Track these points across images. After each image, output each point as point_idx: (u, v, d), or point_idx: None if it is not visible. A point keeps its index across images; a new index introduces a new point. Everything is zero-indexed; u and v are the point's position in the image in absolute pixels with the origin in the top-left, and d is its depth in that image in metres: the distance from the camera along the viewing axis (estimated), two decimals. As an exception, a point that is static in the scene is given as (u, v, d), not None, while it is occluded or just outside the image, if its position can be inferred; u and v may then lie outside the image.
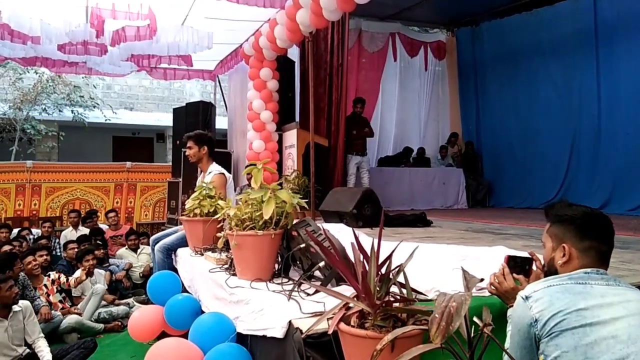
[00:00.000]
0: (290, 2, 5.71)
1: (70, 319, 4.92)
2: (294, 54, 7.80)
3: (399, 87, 9.62)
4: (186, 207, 3.36)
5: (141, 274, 6.63)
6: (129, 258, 6.89)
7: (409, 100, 9.75)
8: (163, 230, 8.41)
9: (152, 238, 4.34)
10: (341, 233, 3.55)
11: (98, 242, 6.86)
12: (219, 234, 2.67)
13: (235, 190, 4.40)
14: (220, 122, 9.95)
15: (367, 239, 3.35)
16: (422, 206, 8.10)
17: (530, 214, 6.62)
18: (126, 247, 7.15)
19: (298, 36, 6.06)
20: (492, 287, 1.76)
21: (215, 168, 4.06)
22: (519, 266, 1.79)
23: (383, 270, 1.57)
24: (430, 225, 5.31)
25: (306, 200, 6.17)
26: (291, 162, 7.19)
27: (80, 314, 5.13)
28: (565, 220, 1.52)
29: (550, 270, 1.55)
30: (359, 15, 8.69)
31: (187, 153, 4.19)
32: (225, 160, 7.33)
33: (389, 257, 1.56)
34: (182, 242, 3.72)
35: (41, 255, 5.39)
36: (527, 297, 1.39)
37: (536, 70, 8.07)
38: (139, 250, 7.01)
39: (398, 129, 9.67)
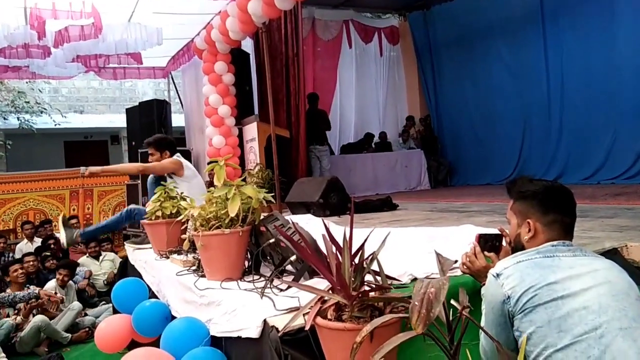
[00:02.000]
0: (240, -7, 5.59)
1: (37, 319, 4.77)
2: (248, 46, 7.66)
3: (355, 74, 9.64)
4: (147, 209, 3.24)
5: (105, 281, 6.42)
6: (90, 266, 6.64)
7: (366, 86, 9.80)
8: (126, 233, 8.21)
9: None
10: (310, 224, 3.52)
11: (50, 250, 6.57)
12: (183, 236, 2.58)
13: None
14: (177, 120, 9.70)
15: (336, 228, 3.33)
16: (387, 190, 8.18)
17: (491, 190, 6.79)
18: (87, 255, 6.89)
19: (251, 27, 5.94)
20: (465, 267, 1.76)
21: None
22: (489, 244, 1.80)
23: (357, 260, 1.55)
24: (397, 209, 5.36)
25: (272, 193, 6.13)
26: (253, 155, 7.09)
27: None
28: (527, 196, 1.54)
29: (517, 246, 1.56)
30: (311, 3, 8.62)
31: (149, 160, 4.13)
32: (185, 157, 7.15)
33: (362, 246, 1.53)
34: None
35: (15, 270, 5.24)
36: (498, 275, 1.40)
37: (488, 51, 8.24)
38: (101, 257, 6.77)
39: (358, 116, 9.70)
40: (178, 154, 4.11)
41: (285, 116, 7.21)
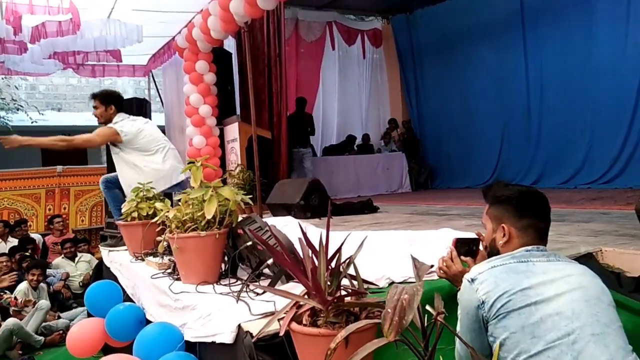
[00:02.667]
0: (222, -8, 5.53)
1: (8, 322, 4.65)
2: (230, 45, 7.59)
3: (338, 76, 9.64)
4: (123, 210, 3.18)
5: (81, 283, 6.28)
6: (66, 267, 6.50)
7: (349, 88, 9.81)
8: (103, 234, 8.06)
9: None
10: (289, 226, 3.51)
11: (27, 252, 6.42)
12: (159, 238, 2.53)
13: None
14: (157, 119, 9.52)
15: (315, 230, 3.31)
16: (368, 192, 8.19)
17: (470, 193, 6.85)
18: (62, 256, 6.74)
19: (233, 27, 5.89)
20: (441, 272, 1.77)
21: (115, 121, 3.76)
22: (466, 248, 1.80)
23: (333, 264, 1.53)
24: (377, 211, 5.37)
25: (252, 195, 6.08)
26: (234, 156, 7.03)
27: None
28: (502, 200, 1.54)
29: (492, 251, 1.57)
30: (295, 4, 8.60)
31: (93, 113, 3.95)
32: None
33: (339, 250, 1.52)
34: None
35: None
36: (472, 280, 1.40)
37: (470, 54, 8.32)
38: (76, 258, 6.63)
39: (340, 117, 9.71)
40: (125, 117, 3.83)
41: (267, 117, 7.16)
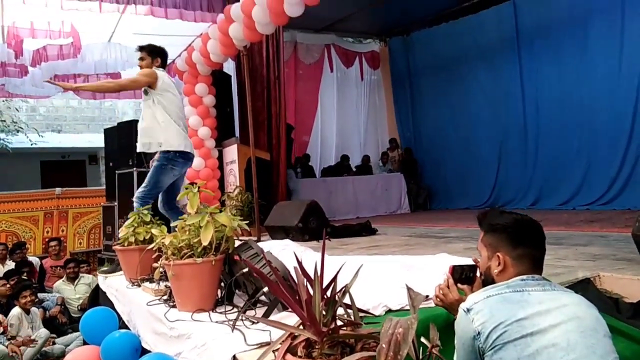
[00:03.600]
0: (222, 17, 5.62)
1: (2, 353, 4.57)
2: (230, 68, 7.68)
3: (337, 97, 9.73)
4: (120, 235, 3.17)
5: (79, 307, 6.18)
6: (64, 291, 6.43)
7: (347, 109, 9.89)
8: (101, 257, 8.02)
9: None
10: (287, 250, 3.50)
11: (24, 276, 6.35)
12: (155, 264, 2.52)
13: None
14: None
15: (313, 255, 3.30)
16: (367, 213, 8.18)
17: (469, 214, 6.83)
18: (63, 278, 6.67)
19: (232, 50, 5.96)
20: (438, 300, 1.75)
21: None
22: (463, 275, 1.79)
23: (329, 293, 1.52)
24: (376, 233, 5.35)
25: (250, 218, 6.06)
26: (233, 178, 7.04)
27: None
28: (497, 229, 1.54)
29: (487, 279, 1.56)
30: (293, 27, 8.71)
31: (139, 64, 4.05)
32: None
33: (334, 279, 1.51)
34: (157, 179, 3.74)
35: None
36: (468, 310, 1.39)
37: (466, 76, 8.41)
38: (76, 281, 6.56)
39: (339, 139, 9.77)
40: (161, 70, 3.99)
41: (266, 139, 7.21)
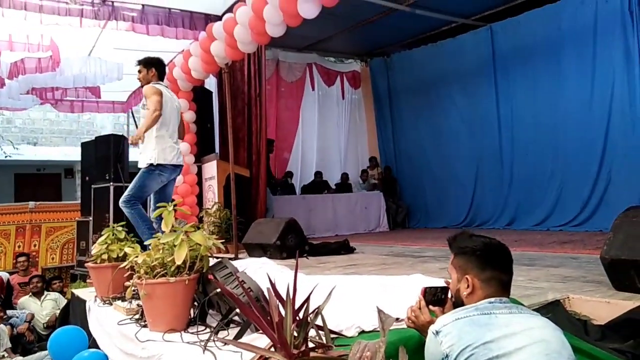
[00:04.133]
0: (204, 34, 5.65)
1: None
2: (211, 84, 7.69)
3: (318, 115, 9.80)
4: (92, 252, 3.11)
5: (45, 325, 6.00)
6: (30, 307, 6.24)
7: (328, 127, 9.96)
8: (74, 272, 7.82)
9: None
10: (264, 268, 3.47)
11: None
12: (127, 283, 2.48)
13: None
14: (135, 155, 9.50)
15: (290, 274, 3.28)
16: (347, 231, 8.20)
17: (446, 234, 6.78)
18: (30, 294, 6.49)
19: (214, 67, 5.99)
20: (410, 322, 1.77)
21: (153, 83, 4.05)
22: (435, 297, 1.81)
23: (301, 315, 1.53)
24: (354, 252, 5.36)
25: (227, 237, 6.01)
26: (212, 194, 6.99)
27: None
28: (466, 252, 1.57)
29: (457, 301, 1.59)
30: (276, 46, 8.79)
31: (137, 77, 4.20)
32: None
33: (306, 300, 1.52)
34: (143, 184, 3.85)
35: None
36: (437, 332, 1.41)
37: (444, 98, 8.58)
38: (42, 297, 6.37)
39: (319, 156, 9.81)
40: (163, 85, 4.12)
41: (246, 155, 7.20)
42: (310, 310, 1.56)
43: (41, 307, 6.29)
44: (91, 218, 7.32)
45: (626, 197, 5.72)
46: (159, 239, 2.19)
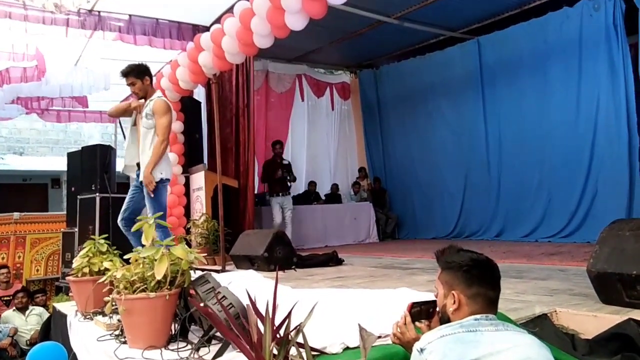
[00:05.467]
0: (192, 45, 5.63)
1: None
2: (200, 94, 7.65)
3: (307, 126, 9.80)
4: (73, 265, 3.04)
5: (28, 342, 5.85)
6: (15, 321, 6.10)
7: (318, 138, 9.96)
8: (59, 285, 7.67)
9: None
10: (250, 282, 3.42)
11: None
12: (106, 298, 2.42)
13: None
14: (122, 165, 9.40)
15: (279, 288, 3.23)
16: (336, 242, 8.15)
17: (435, 245, 6.80)
18: (14, 308, 6.34)
19: (201, 78, 5.96)
20: (395, 338, 1.73)
21: (159, 94, 3.98)
22: (423, 312, 1.78)
23: (282, 332, 1.48)
24: (343, 264, 5.31)
25: (214, 248, 5.93)
26: (199, 205, 6.93)
27: None
28: (453, 267, 1.55)
29: (444, 317, 1.56)
30: (265, 57, 8.80)
31: (132, 90, 4.00)
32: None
33: (287, 317, 1.47)
34: (164, 200, 3.83)
35: None
36: (422, 350, 1.38)
37: (432, 110, 8.62)
38: (27, 312, 6.24)
39: (309, 167, 9.78)
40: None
41: (234, 166, 7.16)
42: (292, 327, 1.52)
43: (26, 322, 6.15)
44: (77, 229, 7.20)
45: (613, 208, 5.77)
46: (138, 253, 2.13)
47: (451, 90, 8.25)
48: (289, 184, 7.71)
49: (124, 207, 4.10)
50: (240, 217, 6.98)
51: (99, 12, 5.20)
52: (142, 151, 3.93)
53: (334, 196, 9.37)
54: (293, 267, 4.98)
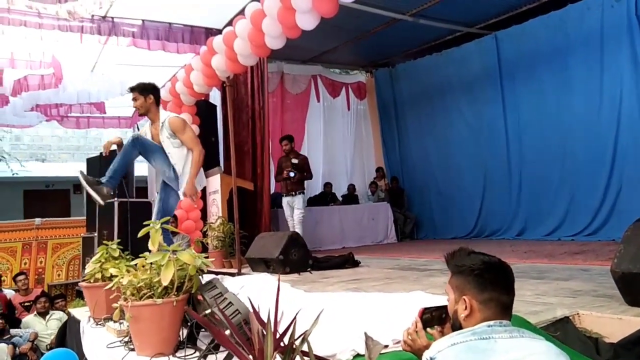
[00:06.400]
0: (204, 48, 5.63)
1: None
2: (216, 97, 7.68)
3: (323, 127, 9.75)
4: (86, 270, 3.04)
5: (48, 346, 5.93)
6: (35, 326, 6.19)
7: (334, 139, 9.90)
8: (78, 289, 7.78)
9: None
10: (262, 286, 3.38)
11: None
12: (114, 305, 2.40)
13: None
14: (141, 170, 9.50)
15: (289, 291, 3.19)
16: (354, 243, 8.08)
17: (455, 245, 6.65)
18: (35, 313, 6.45)
19: (215, 81, 5.96)
20: (406, 345, 1.65)
21: (168, 114, 4.04)
22: (435, 317, 1.70)
23: (286, 340, 1.43)
24: (359, 265, 5.24)
25: (230, 251, 5.91)
26: (215, 208, 6.94)
27: None
28: (464, 271, 1.47)
29: (455, 323, 1.48)
30: (280, 59, 8.79)
31: (133, 105, 4.09)
32: (145, 210, 6.92)
33: (290, 325, 1.42)
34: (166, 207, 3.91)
35: None
36: (432, 359, 1.31)
37: (449, 107, 8.46)
38: (47, 316, 6.33)
39: (325, 168, 9.73)
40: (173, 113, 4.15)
41: (251, 168, 7.15)
42: (298, 335, 1.47)
43: (46, 327, 6.23)
44: (96, 234, 7.28)
45: (638, 204, 5.56)
46: (145, 259, 2.11)
47: (469, 87, 8.09)
48: (300, 182, 7.13)
49: (156, 212, 4.16)
50: (256, 219, 6.97)
51: (112, 18, 5.25)
52: (182, 173, 4.00)
53: (350, 197, 9.29)
54: (308, 269, 4.93)
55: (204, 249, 6.78)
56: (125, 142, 4.08)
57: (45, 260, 8.55)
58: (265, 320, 1.42)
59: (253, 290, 2.79)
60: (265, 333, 1.41)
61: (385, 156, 9.90)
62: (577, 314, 2.33)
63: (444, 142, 8.57)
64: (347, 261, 5.28)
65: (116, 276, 2.24)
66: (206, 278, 2.69)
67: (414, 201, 9.34)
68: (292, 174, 6.97)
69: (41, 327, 6.20)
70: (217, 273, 4.72)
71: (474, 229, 7.96)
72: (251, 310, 1.47)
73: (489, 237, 7.70)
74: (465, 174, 8.20)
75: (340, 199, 9.23)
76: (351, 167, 10.01)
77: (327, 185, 9.15)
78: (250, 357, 1.35)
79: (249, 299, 1.52)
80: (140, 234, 2.20)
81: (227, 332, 1.67)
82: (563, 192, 6.73)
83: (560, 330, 2.23)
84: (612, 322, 2.23)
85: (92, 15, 4.92)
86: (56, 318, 6.29)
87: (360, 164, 10.15)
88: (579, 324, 2.31)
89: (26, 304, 6.85)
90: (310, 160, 9.54)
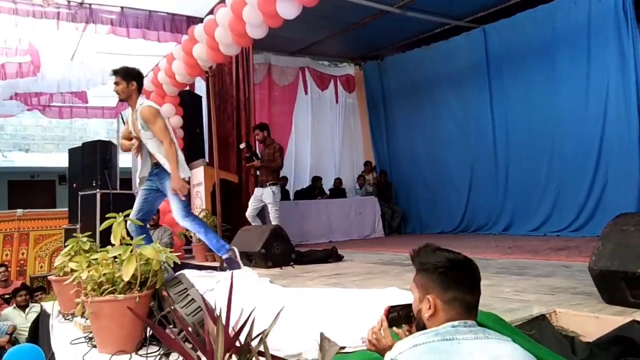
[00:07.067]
0: (186, 37, 5.51)
1: None
2: (201, 88, 7.55)
3: (311, 119, 9.65)
4: (55, 264, 2.95)
5: (27, 339, 5.83)
6: (15, 319, 6.09)
7: (322, 132, 9.81)
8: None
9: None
10: (239, 282, 3.30)
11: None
12: (77, 300, 2.31)
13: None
14: (125, 161, 9.36)
15: (267, 287, 3.11)
16: (340, 237, 8.02)
17: (442, 239, 6.72)
18: (14, 306, 6.34)
19: (197, 71, 5.85)
20: (370, 345, 1.59)
21: (145, 101, 3.92)
22: (401, 317, 1.64)
23: (242, 339, 1.36)
24: (342, 260, 5.18)
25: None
26: (199, 201, 6.84)
27: None
28: (428, 269, 1.40)
29: (419, 323, 1.41)
30: (267, 49, 8.67)
31: (114, 89, 3.96)
32: (128, 202, 6.80)
33: (245, 324, 1.35)
34: (150, 201, 3.95)
35: None
36: (393, 361, 1.24)
37: (437, 101, 8.41)
38: (27, 309, 6.22)
39: (313, 161, 9.66)
40: (151, 102, 4.01)
41: (236, 161, 7.05)
42: (257, 334, 1.39)
43: (26, 320, 6.13)
44: (79, 225, 7.15)
45: (623, 200, 5.56)
46: (107, 253, 2.02)
47: (457, 80, 8.03)
48: (272, 172, 6.33)
49: (136, 209, 4.02)
50: (242, 212, 6.87)
51: (90, 4, 5.09)
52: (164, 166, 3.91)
53: (337, 190, 9.22)
54: (291, 263, 4.86)
55: (188, 241, 6.70)
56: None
57: (27, 252, 8.41)
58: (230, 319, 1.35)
59: (228, 286, 2.71)
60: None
61: (374, 150, 9.83)
62: (554, 311, 2.28)
63: (431, 136, 8.52)
64: (330, 255, 5.22)
65: (76, 270, 2.14)
66: (190, 274, 2.62)
67: (402, 195, 9.29)
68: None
69: (21, 319, 6.09)
70: (199, 267, 4.65)
71: (460, 223, 7.94)
72: (204, 308, 1.39)
73: (476, 232, 7.68)
74: (453, 168, 8.16)
75: (328, 192, 9.16)
76: (339, 160, 9.94)
77: (317, 180, 9.06)
78: (203, 358, 1.28)
79: (202, 297, 1.44)
80: (102, 227, 2.12)
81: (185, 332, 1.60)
82: (550, 187, 6.71)
83: (535, 329, 2.18)
84: (588, 321, 2.18)
85: (69, 1, 4.77)
86: (36, 311, 6.15)
87: (348, 158, 10.08)
88: (556, 322, 2.26)
89: (6, 296, 6.73)
90: (297, 153, 9.51)
